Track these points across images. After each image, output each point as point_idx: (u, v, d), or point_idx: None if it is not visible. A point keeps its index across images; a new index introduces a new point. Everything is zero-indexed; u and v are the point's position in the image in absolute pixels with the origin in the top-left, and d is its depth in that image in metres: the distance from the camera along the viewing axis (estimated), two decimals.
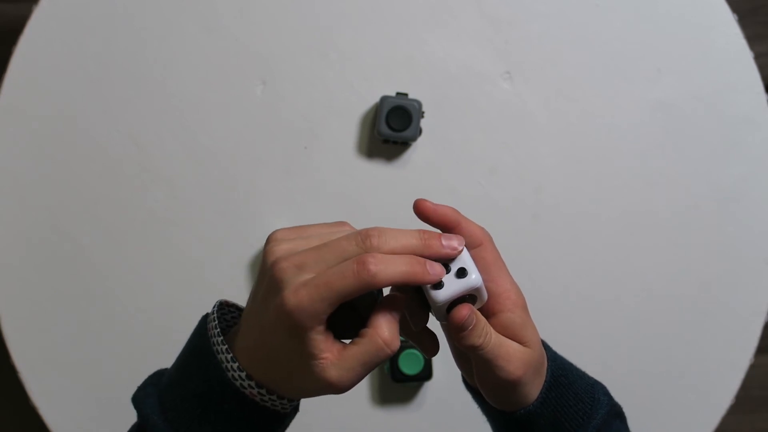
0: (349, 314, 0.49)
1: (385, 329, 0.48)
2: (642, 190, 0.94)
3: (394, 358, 0.90)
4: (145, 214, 0.92)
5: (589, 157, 0.94)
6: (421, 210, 0.51)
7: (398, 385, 0.92)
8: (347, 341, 0.49)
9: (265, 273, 0.48)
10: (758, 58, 0.94)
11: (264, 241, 0.50)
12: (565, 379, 0.55)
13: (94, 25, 0.92)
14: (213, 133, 0.93)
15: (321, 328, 0.46)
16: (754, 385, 1.02)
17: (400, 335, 0.52)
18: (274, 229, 0.50)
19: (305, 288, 0.45)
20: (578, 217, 0.94)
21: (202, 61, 0.92)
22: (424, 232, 0.49)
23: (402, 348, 0.90)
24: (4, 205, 0.92)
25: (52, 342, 0.92)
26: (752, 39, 0.95)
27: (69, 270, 0.92)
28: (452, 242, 0.49)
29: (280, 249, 0.48)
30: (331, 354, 0.47)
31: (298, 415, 0.54)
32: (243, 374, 0.48)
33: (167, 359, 0.98)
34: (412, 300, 0.51)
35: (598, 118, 0.94)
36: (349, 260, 0.45)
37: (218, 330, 0.50)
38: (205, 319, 0.53)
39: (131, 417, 0.52)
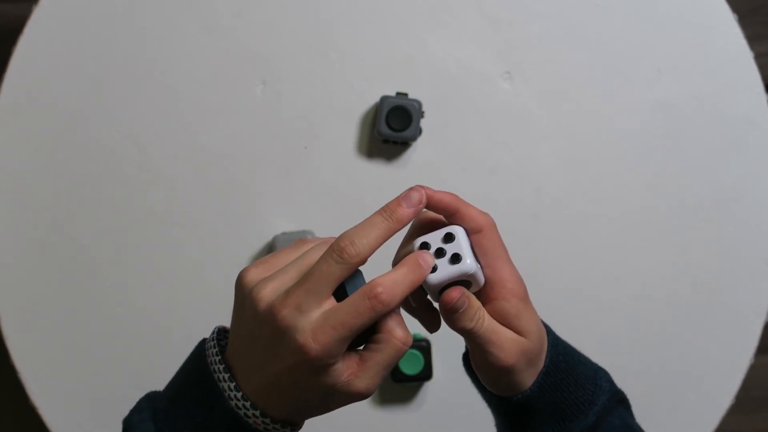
0: None
1: (397, 329, 0.48)
2: (642, 190, 0.94)
3: None
4: (145, 214, 0.92)
5: (589, 157, 0.94)
6: None
7: (398, 385, 0.92)
8: (360, 347, 0.49)
9: (262, 321, 0.47)
10: (758, 58, 0.94)
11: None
12: (565, 365, 0.55)
13: (94, 25, 0.92)
14: (213, 133, 0.93)
15: (340, 356, 0.47)
16: (754, 385, 1.02)
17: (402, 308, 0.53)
18: (242, 270, 0.50)
19: (322, 332, 0.45)
20: (578, 217, 0.94)
21: (202, 61, 0.92)
22: (384, 210, 0.49)
23: None
24: (4, 205, 0.92)
25: (52, 342, 0.92)
26: (752, 39, 0.95)
27: (69, 270, 0.92)
28: (412, 200, 0.49)
29: (266, 292, 0.47)
30: (351, 369, 0.47)
31: None
32: (248, 404, 0.48)
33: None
34: None
35: (598, 118, 0.94)
36: (358, 296, 0.46)
37: (219, 357, 0.50)
38: (202, 344, 0.52)
39: None
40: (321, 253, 0.48)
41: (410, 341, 0.49)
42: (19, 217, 0.92)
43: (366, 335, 0.48)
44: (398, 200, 0.49)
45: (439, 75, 0.93)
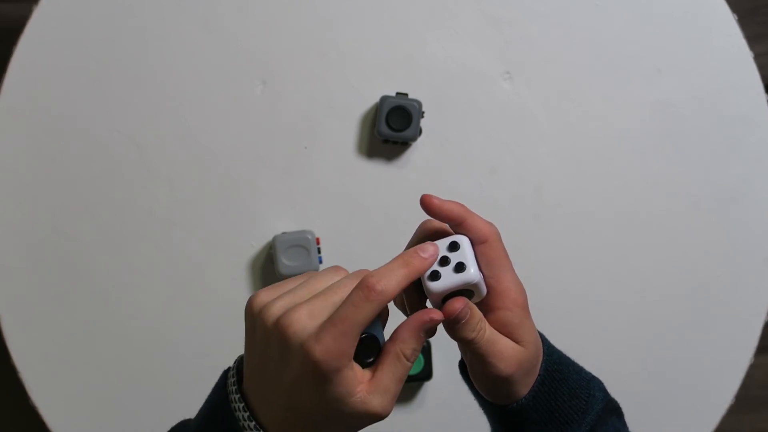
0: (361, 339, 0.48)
1: (408, 341, 0.48)
2: (642, 190, 0.94)
3: None
4: (145, 214, 0.92)
5: (589, 157, 0.94)
6: (427, 205, 0.51)
7: None
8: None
9: (271, 336, 0.46)
10: (758, 58, 0.94)
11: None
12: (559, 374, 0.55)
13: (94, 25, 0.92)
14: (213, 133, 0.93)
15: (351, 363, 0.46)
16: (754, 385, 1.02)
17: (399, 309, 0.53)
18: (251, 295, 0.49)
19: (325, 332, 0.45)
20: (578, 217, 0.94)
21: (202, 61, 0.92)
22: (404, 255, 0.49)
23: None
24: (4, 205, 0.92)
25: (52, 342, 0.92)
26: (752, 39, 0.95)
27: (69, 270, 0.92)
28: (428, 252, 0.49)
29: (275, 309, 0.47)
30: (363, 384, 0.47)
31: None
32: None
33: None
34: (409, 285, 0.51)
35: (598, 118, 0.94)
36: (353, 290, 0.46)
37: (236, 387, 0.49)
38: (225, 373, 0.52)
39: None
40: (329, 279, 0.48)
41: (417, 353, 0.49)
42: (19, 217, 0.92)
43: (373, 349, 0.48)
44: (416, 251, 0.49)
45: (439, 75, 0.93)
